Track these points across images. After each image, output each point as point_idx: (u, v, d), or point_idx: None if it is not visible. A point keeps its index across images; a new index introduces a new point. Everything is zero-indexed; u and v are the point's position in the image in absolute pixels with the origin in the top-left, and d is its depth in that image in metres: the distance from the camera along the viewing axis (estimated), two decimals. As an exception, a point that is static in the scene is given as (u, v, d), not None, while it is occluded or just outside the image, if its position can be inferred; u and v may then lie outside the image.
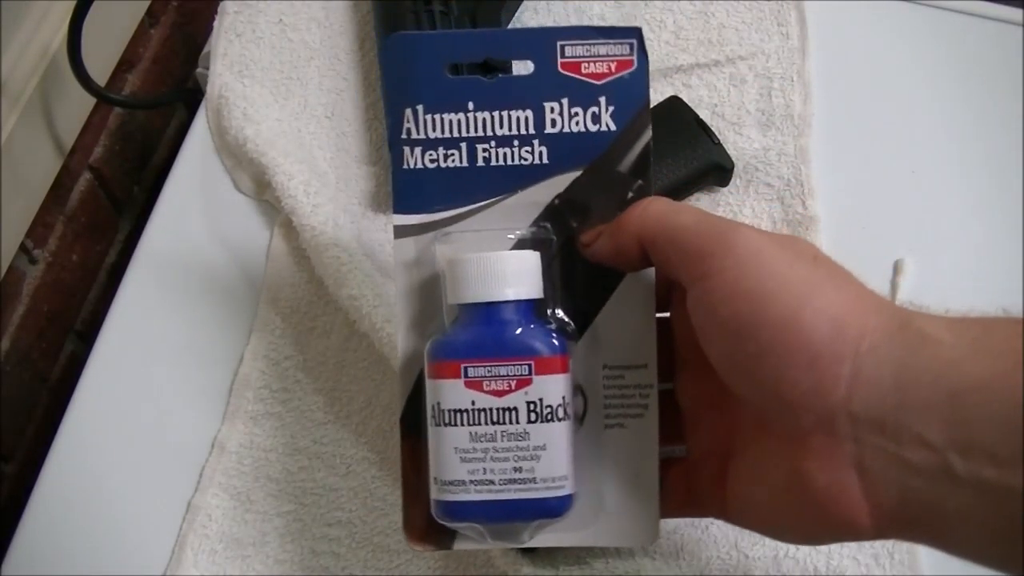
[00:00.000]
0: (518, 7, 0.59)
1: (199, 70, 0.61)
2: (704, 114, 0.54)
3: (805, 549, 0.44)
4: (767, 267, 0.31)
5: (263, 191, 0.55)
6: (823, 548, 0.44)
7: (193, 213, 0.55)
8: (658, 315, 0.38)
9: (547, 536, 0.37)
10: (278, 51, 0.59)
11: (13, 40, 0.52)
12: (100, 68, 0.59)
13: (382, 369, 0.49)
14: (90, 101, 0.58)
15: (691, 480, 0.37)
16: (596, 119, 0.37)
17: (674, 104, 0.53)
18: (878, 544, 0.45)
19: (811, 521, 0.31)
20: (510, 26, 0.58)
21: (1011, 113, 0.56)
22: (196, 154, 0.57)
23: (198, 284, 0.53)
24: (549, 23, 0.58)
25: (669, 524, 0.45)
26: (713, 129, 0.53)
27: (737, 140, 0.55)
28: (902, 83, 0.58)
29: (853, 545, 0.45)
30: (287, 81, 0.58)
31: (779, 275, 0.31)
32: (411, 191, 0.38)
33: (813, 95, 0.57)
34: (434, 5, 0.55)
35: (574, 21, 0.59)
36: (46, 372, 0.58)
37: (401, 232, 0.38)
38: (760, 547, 0.45)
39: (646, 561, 0.44)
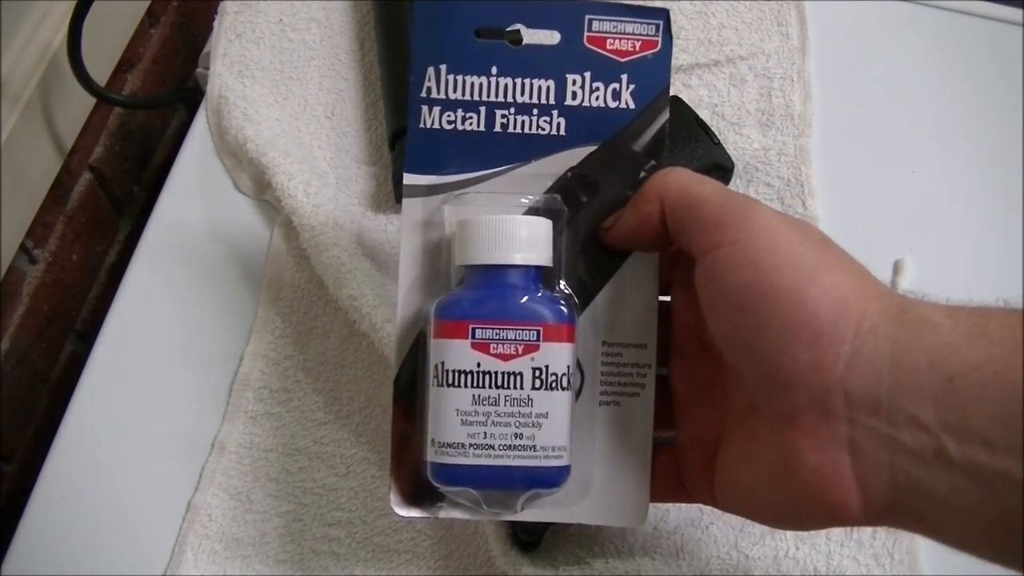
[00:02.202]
0: (518, 7, 0.59)
1: (199, 70, 0.61)
2: (704, 114, 0.54)
3: (805, 549, 0.44)
4: (779, 242, 0.31)
5: (263, 191, 0.55)
6: (823, 548, 0.44)
7: (193, 213, 0.55)
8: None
9: (537, 511, 0.37)
10: (278, 51, 0.59)
11: (13, 40, 0.52)
12: (100, 68, 0.59)
13: (382, 369, 0.49)
14: (90, 101, 0.58)
15: (679, 466, 0.37)
16: (616, 96, 0.37)
17: (674, 104, 0.52)
18: (878, 544, 0.45)
19: (800, 504, 0.31)
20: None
21: (1011, 113, 0.57)
22: (196, 154, 0.57)
23: (198, 284, 0.53)
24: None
25: (669, 524, 0.45)
26: (713, 129, 0.53)
27: (737, 140, 0.55)
28: (902, 83, 0.58)
29: (853, 545, 0.45)
30: (287, 81, 0.58)
31: (789, 251, 0.31)
32: (425, 151, 0.37)
33: (813, 95, 0.57)
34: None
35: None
36: (46, 372, 0.58)
37: (411, 192, 0.38)
38: (760, 547, 0.45)
39: (646, 561, 0.44)
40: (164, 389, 0.51)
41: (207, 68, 0.59)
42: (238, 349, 0.51)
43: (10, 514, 0.48)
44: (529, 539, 0.44)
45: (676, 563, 0.44)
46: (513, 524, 0.44)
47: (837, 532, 0.45)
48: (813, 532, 0.45)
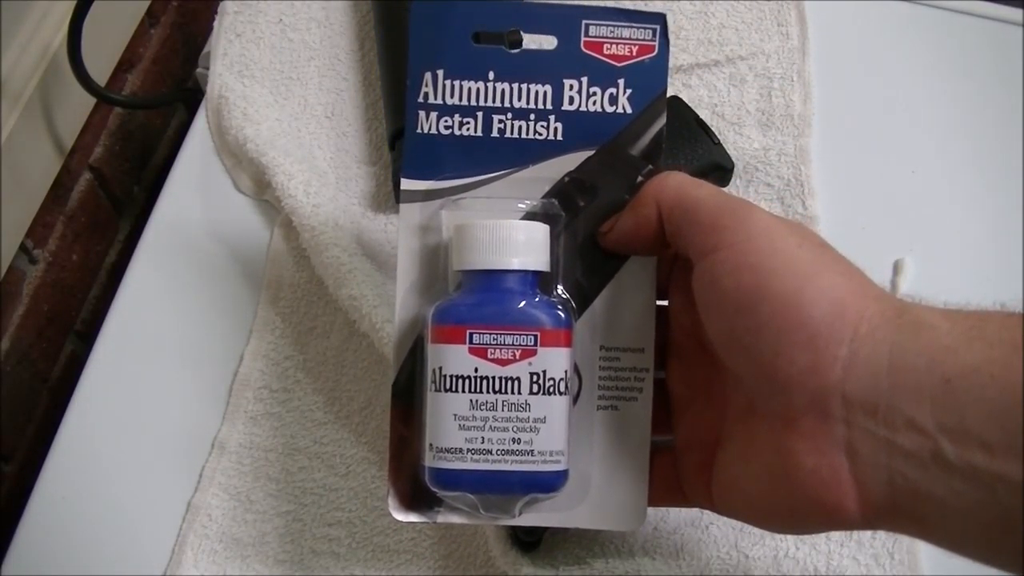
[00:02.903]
0: (518, 7, 0.59)
1: (199, 70, 0.61)
2: (704, 114, 0.54)
3: (805, 549, 0.44)
4: (776, 245, 0.32)
5: (263, 191, 0.55)
6: (823, 548, 0.44)
7: (193, 213, 0.55)
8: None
9: (535, 515, 0.37)
10: (278, 51, 0.59)
11: (13, 40, 0.52)
12: (100, 68, 0.59)
13: (382, 369, 0.49)
14: (90, 101, 0.58)
15: (677, 469, 0.37)
16: (613, 100, 0.37)
17: (674, 104, 0.53)
18: (878, 544, 0.45)
19: (798, 507, 0.31)
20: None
21: (1011, 113, 0.57)
22: (196, 154, 0.57)
23: (198, 284, 0.53)
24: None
25: (669, 524, 0.45)
26: (713, 129, 0.53)
27: (737, 140, 0.55)
28: (902, 83, 0.58)
29: (853, 545, 0.45)
30: (287, 81, 0.58)
31: (786, 253, 0.31)
32: (422, 156, 0.37)
33: (813, 95, 0.57)
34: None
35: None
36: (46, 372, 0.58)
37: (408, 197, 0.38)
38: (760, 547, 0.45)
39: (646, 561, 0.44)
40: (164, 389, 0.51)
41: (207, 68, 0.59)
42: (238, 349, 0.51)
43: (10, 514, 0.48)
44: (529, 539, 0.44)
45: (676, 563, 0.44)
46: (513, 525, 0.44)
47: (837, 532, 0.45)
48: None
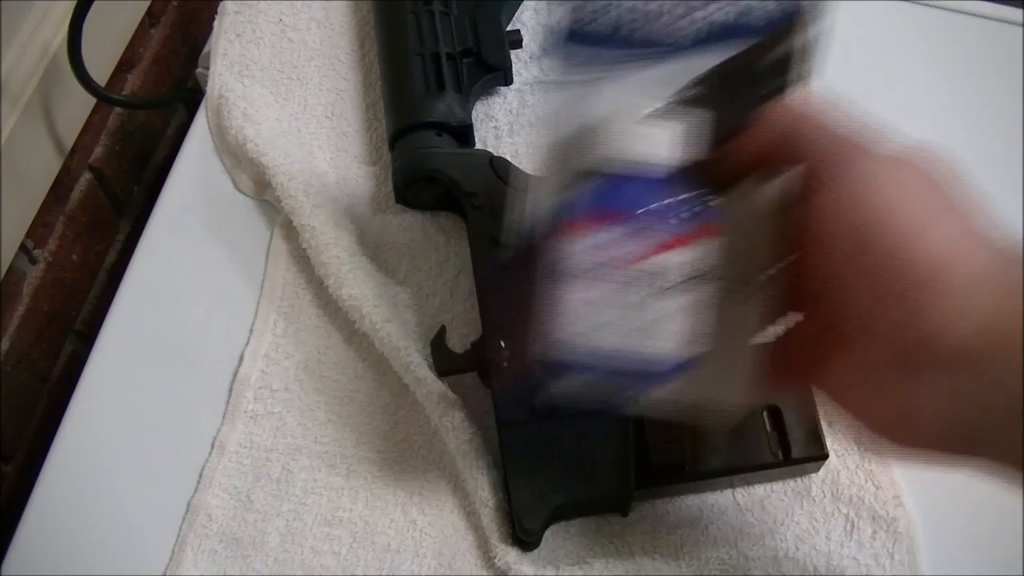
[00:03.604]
0: (518, 7, 0.59)
1: (199, 70, 0.61)
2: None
3: (805, 549, 0.45)
4: (891, 186, 0.31)
5: (263, 191, 0.55)
6: (823, 548, 0.45)
7: (193, 213, 0.55)
8: None
9: (645, 402, 0.36)
10: (278, 51, 0.59)
11: (13, 40, 0.52)
12: (100, 68, 0.59)
13: (382, 369, 0.49)
14: (90, 101, 0.58)
15: (791, 354, 0.36)
16: (747, 11, 0.36)
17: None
18: (878, 544, 0.45)
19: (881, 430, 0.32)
20: (509, 27, 0.58)
21: (1011, 113, 0.57)
22: (196, 154, 0.57)
23: (198, 284, 0.53)
24: (550, 23, 0.58)
25: (669, 524, 0.45)
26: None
27: (737, 140, 0.55)
28: (902, 83, 0.58)
29: (853, 545, 0.45)
30: (287, 81, 0.58)
31: (903, 194, 0.31)
32: (556, 48, 0.37)
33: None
34: (434, 5, 0.55)
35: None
36: (46, 372, 0.58)
37: (544, 89, 0.37)
38: (760, 547, 0.45)
39: (646, 561, 0.44)
40: (164, 389, 0.51)
41: (207, 68, 0.59)
42: (238, 349, 0.51)
43: (10, 514, 0.48)
44: (529, 539, 0.44)
45: (676, 563, 0.44)
46: (513, 524, 0.44)
47: (837, 532, 0.45)
48: (812, 532, 0.45)
